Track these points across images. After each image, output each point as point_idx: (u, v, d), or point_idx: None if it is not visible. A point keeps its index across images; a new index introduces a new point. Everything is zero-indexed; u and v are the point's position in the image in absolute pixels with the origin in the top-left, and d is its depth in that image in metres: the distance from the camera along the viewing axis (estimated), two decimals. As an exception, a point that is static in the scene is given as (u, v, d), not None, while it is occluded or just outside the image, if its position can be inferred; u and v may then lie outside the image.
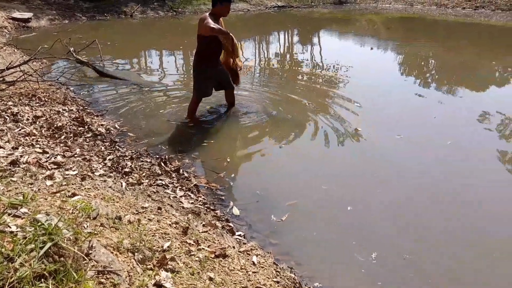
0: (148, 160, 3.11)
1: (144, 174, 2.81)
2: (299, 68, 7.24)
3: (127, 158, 3.06)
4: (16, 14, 10.43)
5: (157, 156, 3.22)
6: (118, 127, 3.88)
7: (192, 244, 1.83)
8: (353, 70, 6.58)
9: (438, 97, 5.30)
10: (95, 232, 1.54)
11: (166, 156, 3.20)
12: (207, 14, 3.64)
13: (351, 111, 4.50)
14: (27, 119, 3.33)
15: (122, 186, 2.44)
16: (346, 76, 6.19)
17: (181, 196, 2.59)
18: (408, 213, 2.68)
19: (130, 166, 2.88)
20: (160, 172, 2.91)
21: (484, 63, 7.77)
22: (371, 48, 9.38)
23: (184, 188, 2.74)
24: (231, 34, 3.68)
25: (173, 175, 2.93)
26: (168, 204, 2.40)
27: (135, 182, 2.62)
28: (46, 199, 1.74)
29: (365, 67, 7.02)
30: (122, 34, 10.84)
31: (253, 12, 16.69)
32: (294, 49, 9.89)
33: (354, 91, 5.25)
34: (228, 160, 3.33)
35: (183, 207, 2.43)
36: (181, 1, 15.86)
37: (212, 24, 3.48)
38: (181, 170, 3.02)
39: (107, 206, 1.87)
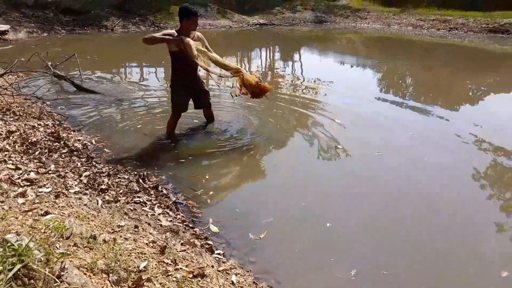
0: (126, 177, 3.05)
1: (121, 191, 2.75)
2: (280, 85, 7.33)
3: (104, 175, 2.99)
4: (-7, 26, 10.24)
5: (135, 173, 3.17)
6: (95, 143, 3.81)
7: (170, 264, 1.79)
8: (333, 88, 6.71)
9: (415, 114, 5.46)
10: (68, 252, 1.49)
11: (145, 173, 3.15)
12: (171, 30, 3.70)
13: (330, 128, 4.56)
14: (0, 134, 3.23)
15: (98, 203, 2.39)
16: (327, 93, 6.30)
17: (159, 214, 2.55)
18: (386, 229, 2.70)
19: (107, 183, 2.83)
20: (138, 189, 2.86)
21: (459, 81, 8.08)
22: (351, 66, 9.61)
23: (162, 205, 2.70)
24: (182, 37, 3.52)
25: (151, 192, 2.88)
26: (146, 222, 2.35)
27: (112, 199, 2.56)
28: (17, 218, 1.68)
29: (346, 85, 7.17)
30: (102, 48, 10.76)
31: (235, 29, 16.92)
32: (275, 65, 10.04)
33: (334, 108, 5.35)
34: (207, 177, 3.30)
35: (161, 225, 2.39)
36: (163, 16, 15.93)
37: (153, 34, 3.58)
38: (159, 187, 2.98)
39: (82, 224, 1.82)
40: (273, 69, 9.31)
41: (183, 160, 3.59)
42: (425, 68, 9.63)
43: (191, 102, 4.13)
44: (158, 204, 2.70)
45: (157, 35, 3.62)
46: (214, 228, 2.56)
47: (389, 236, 2.63)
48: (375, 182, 3.40)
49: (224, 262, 2.11)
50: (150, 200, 2.73)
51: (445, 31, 17.48)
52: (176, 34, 3.61)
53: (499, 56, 12.35)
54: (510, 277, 2.23)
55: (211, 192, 3.06)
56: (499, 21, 17.42)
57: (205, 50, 3.69)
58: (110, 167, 3.20)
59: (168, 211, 2.64)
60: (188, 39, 3.55)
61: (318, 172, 3.60)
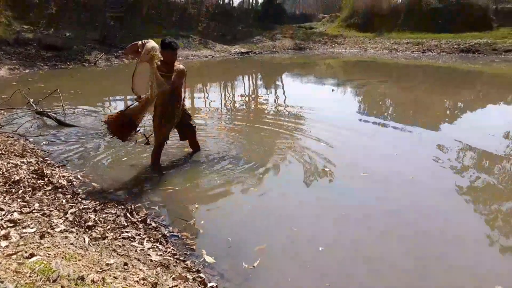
0: (113, 212, 2.99)
1: (108, 227, 2.68)
2: (264, 110, 7.43)
3: (90, 211, 2.93)
4: (-28, 65, 10.15)
5: (123, 207, 3.11)
6: (80, 178, 3.74)
7: (162, 301, 1.74)
8: (317, 111, 6.83)
9: (397, 133, 5.58)
10: (56, 296, 1.43)
11: (132, 206, 3.10)
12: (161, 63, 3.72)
13: (317, 151, 4.61)
14: (-19, 174, 3.14)
15: (85, 241, 2.32)
16: (310, 117, 6.40)
17: (148, 248, 2.49)
18: (378, 252, 2.70)
19: (94, 219, 2.76)
20: (126, 224, 2.80)
21: (436, 100, 8.36)
22: (333, 90, 9.83)
23: (152, 239, 2.64)
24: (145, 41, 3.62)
25: (140, 225, 2.82)
26: (135, 258, 2.29)
27: (99, 236, 2.49)
28: (0, 262, 1.61)
29: (328, 107, 7.31)
30: (86, 82, 10.76)
31: (218, 58, 17.22)
32: (259, 91, 10.19)
33: (319, 131, 5.42)
34: (196, 206, 3.27)
35: (151, 260, 2.32)
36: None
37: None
38: (148, 220, 2.92)
39: (69, 265, 1.76)
40: (256, 95, 9.44)
41: (171, 191, 3.55)
42: (403, 88, 9.95)
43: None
44: (148, 238, 2.64)
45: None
46: (209, 259, 2.51)
47: (381, 259, 2.62)
48: (364, 204, 3.42)
49: (218, 295, 2.06)
50: (139, 235, 2.67)
51: (419, 53, 18.21)
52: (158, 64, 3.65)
53: (471, 74, 12.88)
54: (504, 292, 2.24)
55: (202, 222, 3.01)
56: (469, 42, 18.32)
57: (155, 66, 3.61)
58: (97, 203, 3.13)
59: (158, 244, 2.58)
60: (151, 44, 3.58)
61: (308, 196, 3.60)
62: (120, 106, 7.74)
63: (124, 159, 4.35)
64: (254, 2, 28.26)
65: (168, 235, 2.77)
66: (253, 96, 9.48)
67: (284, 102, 8.27)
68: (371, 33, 22.69)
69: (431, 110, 7.33)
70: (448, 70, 13.67)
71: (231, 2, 27.47)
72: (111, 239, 2.50)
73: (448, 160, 4.38)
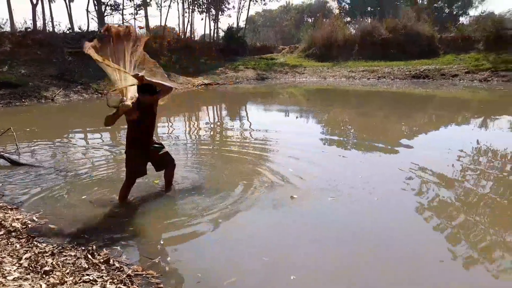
0: (73, 254, 2.81)
1: (68, 271, 2.51)
2: (231, 138, 7.45)
3: (47, 255, 2.74)
4: None
5: (83, 248, 2.93)
6: (36, 220, 3.51)
7: None
8: (281, 138, 6.94)
9: (360, 157, 5.76)
10: None
11: (94, 247, 2.93)
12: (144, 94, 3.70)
13: (284, 177, 4.64)
14: None
15: (41, 288, 2.15)
16: (276, 145, 6.48)
17: (112, 291, 2.34)
18: (349, 276, 2.70)
19: (51, 263, 2.58)
20: (87, 266, 2.63)
21: (394, 124, 8.77)
22: (296, 117, 10.06)
23: (115, 280, 2.49)
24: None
25: (102, 267, 2.66)
26: (97, 302, 2.14)
27: (58, 281, 2.32)
28: None
29: (293, 135, 7.44)
30: (42, 119, 10.36)
31: (181, 90, 17.24)
32: (224, 120, 10.24)
33: (285, 157, 5.49)
34: (162, 242, 3.14)
35: (115, 303, 2.18)
36: (106, 83, 15.88)
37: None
38: (111, 260, 2.77)
39: (22, 316, 1.61)
40: (222, 123, 9.47)
41: (135, 228, 3.40)
42: (363, 113, 10.38)
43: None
44: (111, 280, 2.49)
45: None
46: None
47: (354, 283, 2.62)
48: (333, 228, 3.45)
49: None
50: (101, 277, 2.52)
51: (374, 79, 19.23)
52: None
53: (423, 98, 13.71)
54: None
55: (168, 259, 2.89)
56: (419, 68, 19.62)
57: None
58: (55, 245, 2.94)
59: (122, 286, 2.44)
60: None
61: (277, 224, 3.58)
62: (80, 139, 7.48)
63: (83, 196, 4.15)
64: (215, 35, 28.92)
65: (132, 275, 2.63)
66: (218, 124, 9.50)
67: (250, 129, 8.34)
68: (329, 63, 23.74)
69: (390, 133, 7.67)
70: (403, 95, 14.48)
71: (192, 36, 27.96)
72: (70, 283, 2.34)
73: (410, 179, 4.56)
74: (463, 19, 36.96)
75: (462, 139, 6.74)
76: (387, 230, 3.41)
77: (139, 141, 3.84)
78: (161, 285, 2.54)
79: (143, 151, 3.89)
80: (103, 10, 20.69)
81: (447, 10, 40.47)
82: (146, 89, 3.67)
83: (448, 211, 3.77)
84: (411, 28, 23.30)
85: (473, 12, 38.51)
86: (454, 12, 39.88)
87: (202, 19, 28.20)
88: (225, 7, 28.81)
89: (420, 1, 39.55)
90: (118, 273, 2.62)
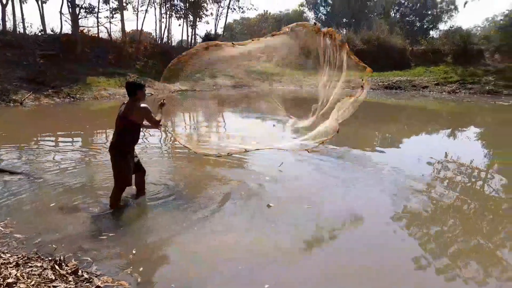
0: (39, 264, 2.70)
1: (33, 283, 2.41)
2: (208, 145, 7.38)
3: (11, 266, 2.61)
4: None
5: (50, 258, 2.82)
6: (2, 229, 3.35)
7: None
8: (260, 144, 6.93)
9: (336, 162, 5.85)
10: None
11: (61, 257, 2.82)
12: (134, 102, 3.74)
13: (260, 186, 4.65)
14: None
15: (3, 302, 2.05)
16: (253, 152, 6.47)
17: (80, 303, 2.26)
18: (323, 284, 2.73)
19: (15, 274, 2.46)
20: (53, 277, 2.53)
21: (369, 131, 8.97)
22: (274, 125, 10.09)
23: (83, 292, 2.41)
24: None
25: (70, 278, 2.57)
26: (64, 315, 2.06)
27: (21, 294, 2.22)
28: None
29: (271, 141, 7.46)
30: (10, 124, 9.97)
31: (157, 96, 17.02)
32: (201, 126, 10.15)
33: (262, 165, 5.50)
34: (134, 252, 3.07)
35: (82, 316, 2.11)
36: (79, 87, 15.49)
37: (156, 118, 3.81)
38: (79, 271, 2.67)
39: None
40: (199, 133, 9.39)
41: (105, 237, 3.31)
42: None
43: None
44: (79, 292, 2.40)
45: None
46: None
47: (326, 289, 2.65)
48: (308, 237, 3.46)
49: None
50: (69, 288, 2.43)
51: (349, 89, 19.67)
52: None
53: (396, 107, 14.12)
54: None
55: (141, 269, 2.83)
56: (391, 79, 20.22)
57: None
58: (20, 256, 2.81)
59: (90, 298, 2.36)
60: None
61: (252, 233, 3.57)
62: (50, 145, 7.23)
63: (52, 204, 4.00)
64: (193, 41, 28.80)
65: (102, 286, 2.55)
66: (195, 132, 9.41)
67: (227, 137, 8.31)
68: (305, 72, 24.13)
69: (367, 141, 7.84)
70: (376, 105, 14.86)
71: (169, 42, 27.74)
72: (35, 296, 2.24)
73: (388, 185, 4.68)
74: (433, 33, 38.55)
75: (432, 148, 6.99)
76: (360, 238, 3.47)
77: (133, 149, 3.93)
78: (132, 296, 2.48)
79: (132, 154, 3.93)
80: (77, 12, 20.16)
81: (418, 24, 42.10)
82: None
83: (420, 219, 3.88)
84: (384, 40, 24.05)
85: (442, 27, 40.25)
86: (425, 26, 41.52)
87: (179, 25, 28.11)
88: (203, 13, 28.79)
89: (393, 15, 41.01)
90: (87, 284, 2.53)
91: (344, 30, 33.06)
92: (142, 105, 3.75)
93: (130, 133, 3.80)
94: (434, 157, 6.12)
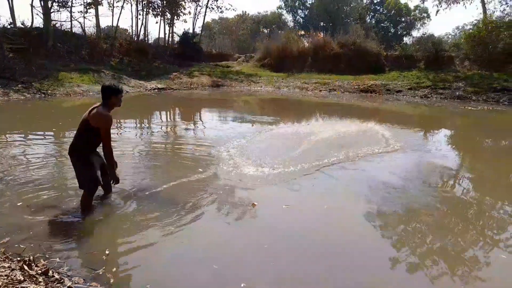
0: (6, 265, 2.58)
1: (0, 284, 2.30)
2: (184, 143, 7.29)
3: (-24, 267, 2.49)
4: None
5: (19, 259, 2.71)
6: (-36, 229, 3.19)
7: None
8: (237, 146, 6.92)
9: (314, 166, 5.91)
10: None
11: (31, 257, 2.71)
12: (102, 108, 3.53)
13: (239, 185, 4.63)
14: None
15: (-34, 304, 1.94)
16: (232, 152, 6.45)
17: (50, 304, 2.18)
18: (300, 282, 2.75)
19: (-20, 276, 2.34)
20: (22, 278, 2.43)
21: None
22: (252, 125, 10.10)
23: (54, 293, 2.32)
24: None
25: (40, 279, 2.47)
26: (33, 317, 1.98)
27: (-13, 296, 2.12)
28: None
29: (249, 142, 7.46)
30: (-25, 119, 9.50)
31: (133, 94, 16.70)
32: (177, 128, 10.02)
33: (239, 163, 5.48)
34: (107, 252, 2.99)
35: (53, 318, 2.03)
36: (50, 83, 14.96)
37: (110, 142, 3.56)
38: (50, 272, 2.58)
39: None
40: (174, 129, 9.27)
41: (77, 236, 3.21)
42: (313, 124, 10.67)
43: None
44: (49, 293, 2.31)
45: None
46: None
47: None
48: (285, 236, 3.49)
49: None
50: (39, 289, 2.33)
51: (326, 92, 19.95)
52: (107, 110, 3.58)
53: (370, 111, 14.44)
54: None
55: (114, 269, 2.76)
56: (367, 83, 20.67)
57: None
58: (-15, 256, 2.68)
59: (61, 299, 2.28)
60: None
61: (229, 231, 3.56)
62: (17, 142, 6.94)
63: (19, 203, 3.84)
64: (170, 40, 28.43)
65: (73, 287, 2.46)
66: (172, 129, 9.28)
67: (204, 136, 8.24)
68: (283, 73, 24.26)
69: (349, 144, 7.95)
70: (352, 107, 15.15)
71: (146, 39, 27.26)
72: (2, 298, 2.14)
73: (359, 187, 4.77)
74: (406, 39, 39.73)
75: (404, 150, 7.18)
76: (337, 236, 3.52)
77: (97, 146, 3.77)
78: (106, 297, 2.41)
79: (98, 155, 3.82)
80: (49, 6, 19.46)
81: (392, 30, 43.31)
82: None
83: (393, 220, 3.97)
84: (360, 44, 24.54)
85: (415, 33, 41.54)
86: (399, 32, 42.77)
87: (156, 22, 27.65)
88: (181, 12, 28.42)
89: (368, 20, 42.01)
90: (58, 285, 2.45)
91: (322, 34, 33.53)
92: (106, 113, 3.51)
93: (92, 137, 3.59)
94: (407, 160, 6.29)
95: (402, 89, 19.41)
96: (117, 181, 3.76)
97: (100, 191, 3.99)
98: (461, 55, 21.92)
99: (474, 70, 20.20)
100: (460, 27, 41.08)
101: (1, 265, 2.57)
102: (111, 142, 3.60)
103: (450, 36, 38.97)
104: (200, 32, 31.55)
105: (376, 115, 13.30)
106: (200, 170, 5.30)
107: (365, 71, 22.53)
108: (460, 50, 22.61)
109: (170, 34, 28.34)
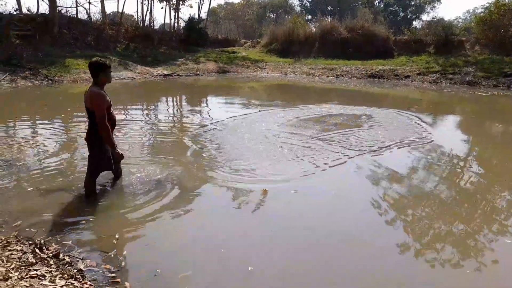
0: (19, 248, 2.64)
1: (13, 266, 2.35)
2: (190, 129, 7.30)
3: (-11, 250, 2.54)
4: None
5: (30, 242, 2.76)
6: (-23, 213, 3.25)
7: None
8: (245, 132, 6.92)
9: (320, 149, 5.89)
10: None
11: (42, 241, 2.77)
12: (95, 88, 3.45)
13: (246, 169, 4.64)
14: None
15: (-19, 285, 1.99)
16: (239, 135, 6.46)
17: (62, 286, 2.23)
18: (307, 269, 2.77)
19: (-6, 258, 2.40)
20: (34, 261, 2.48)
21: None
22: (259, 110, 10.05)
23: (65, 275, 2.37)
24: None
25: (51, 261, 2.53)
26: (46, 298, 2.02)
27: (1, 277, 2.17)
28: None
29: (254, 127, 7.45)
30: (-16, 105, 9.59)
31: (139, 80, 16.68)
32: (184, 111, 10.01)
33: (247, 148, 5.48)
34: (117, 236, 3.03)
35: (65, 299, 2.08)
36: (57, 69, 14.99)
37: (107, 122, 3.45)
38: (61, 255, 2.63)
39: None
40: (181, 115, 9.27)
41: (87, 222, 3.26)
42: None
43: None
44: (60, 275, 2.36)
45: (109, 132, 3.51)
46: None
47: (309, 273, 2.69)
48: (294, 221, 3.50)
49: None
50: (50, 272, 2.38)
51: (333, 77, 19.74)
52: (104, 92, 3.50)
53: (380, 96, 14.29)
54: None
55: (124, 252, 2.80)
56: (375, 68, 20.38)
57: None
58: (-2, 240, 2.74)
59: (72, 281, 2.33)
60: None
61: (237, 215, 3.59)
62: (27, 128, 7.01)
63: (30, 188, 3.90)
64: (176, 25, 28.18)
65: (84, 269, 2.52)
66: (178, 115, 9.29)
67: (210, 122, 8.24)
68: (290, 59, 24.00)
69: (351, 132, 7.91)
70: (359, 93, 14.99)
71: (152, 25, 27.07)
72: (16, 279, 2.19)
73: (364, 172, 4.75)
74: (416, 23, 38.98)
75: (412, 136, 7.12)
76: (342, 224, 3.53)
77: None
78: (117, 279, 2.46)
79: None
80: (55, -8, 19.34)
81: (401, 14, 42.45)
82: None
83: (402, 205, 3.96)
84: (368, 29, 24.12)
85: (425, 17, 40.72)
86: (408, 16, 41.92)
87: (162, 7, 27.17)
88: (187, -4, 28.10)
89: (377, 4, 41.17)
90: (69, 267, 2.50)
91: (329, 18, 32.98)
92: (98, 91, 3.42)
93: (105, 124, 3.49)
94: (414, 145, 6.24)
95: (411, 74, 19.11)
96: (121, 156, 3.68)
97: (110, 175, 4.04)
98: (471, 39, 21.47)
99: (484, 54, 19.78)
100: (471, 11, 40.22)
101: (13, 248, 2.63)
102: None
103: (460, 20, 38.29)
104: (206, 17, 31.22)
105: (386, 100, 13.17)
106: (208, 155, 5.32)
107: (373, 56, 22.20)
108: (471, 34, 22.14)
109: (176, 20, 28.09)
